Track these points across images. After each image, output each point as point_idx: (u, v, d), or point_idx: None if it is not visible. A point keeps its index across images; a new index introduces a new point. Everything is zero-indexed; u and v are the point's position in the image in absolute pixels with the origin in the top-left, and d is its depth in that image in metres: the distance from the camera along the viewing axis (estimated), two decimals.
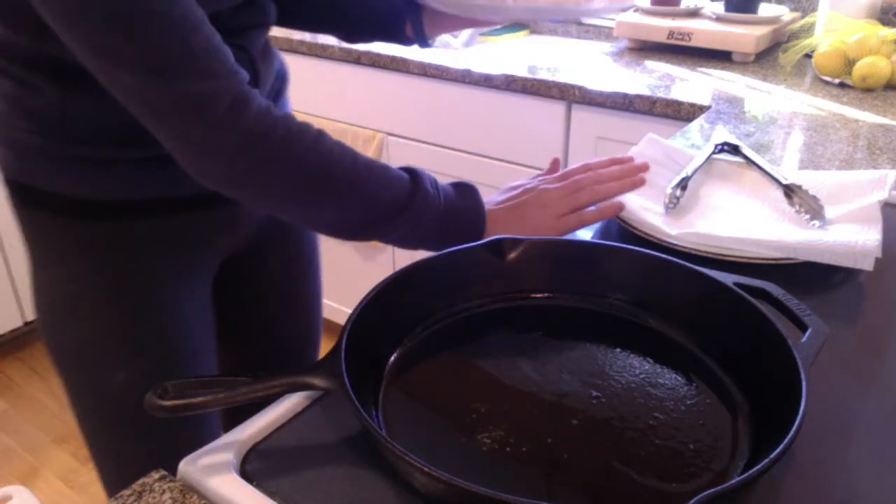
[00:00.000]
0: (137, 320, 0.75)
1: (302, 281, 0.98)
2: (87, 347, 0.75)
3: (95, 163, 0.69)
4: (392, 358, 0.59)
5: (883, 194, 0.79)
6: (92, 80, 0.61)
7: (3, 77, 0.67)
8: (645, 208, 0.80)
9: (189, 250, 0.78)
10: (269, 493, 0.47)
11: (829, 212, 0.80)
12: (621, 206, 0.78)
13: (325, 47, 1.79)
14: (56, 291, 0.75)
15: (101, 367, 0.76)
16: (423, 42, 0.91)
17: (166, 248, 0.76)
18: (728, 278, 0.60)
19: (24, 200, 0.73)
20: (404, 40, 0.92)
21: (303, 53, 1.84)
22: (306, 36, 1.83)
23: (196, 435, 0.77)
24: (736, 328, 0.57)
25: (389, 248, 1.96)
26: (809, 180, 0.86)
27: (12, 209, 0.75)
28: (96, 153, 0.69)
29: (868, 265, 0.70)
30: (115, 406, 0.77)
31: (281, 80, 0.86)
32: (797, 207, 0.81)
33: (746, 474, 0.41)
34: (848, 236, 0.73)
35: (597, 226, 0.85)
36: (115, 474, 0.81)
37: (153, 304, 0.76)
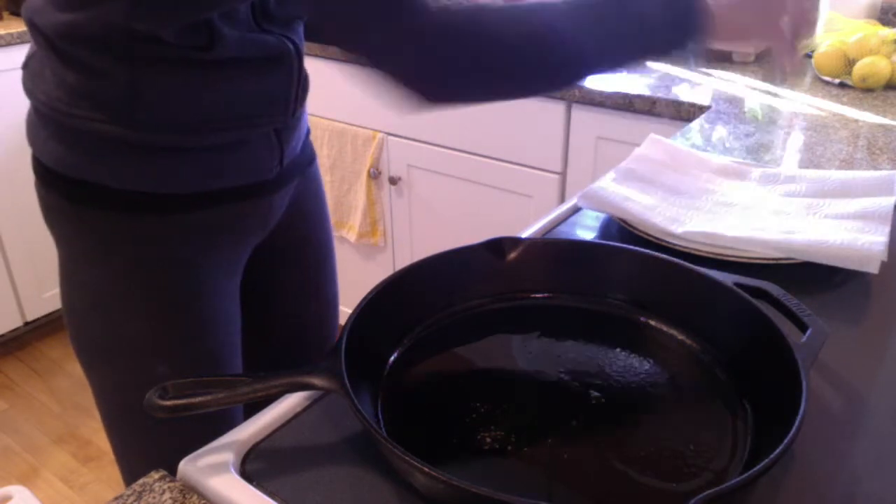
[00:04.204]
0: (180, 313, 0.76)
1: (320, 268, 0.99)
2: (133, 341, 0.76)
3: (158, 151, 0.70)
4: (392, 358, 0.59)
5: (892, 197, 0.79)
6: (162, 61, 0.62)
7: (67, 66, 0.67)
8: (648, 208, 0.80)
9: (231, 242, 0.80)
10: (269, 493, 0.47)
11: (836, 206, 0.80)
12: None
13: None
14: (101, 288, 0.75)
15: (145, 360, 0.76)
16: None
17: (211, 241, 0.77)
18: (728, 278, 0.60)
19: (72, 196, 0.72)
20: None
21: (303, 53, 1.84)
22: None
23: (225, 428, 0.78)
24: (736, 328, 0.57)
25: (389, 248, 1.96)
26: (815, 176, 0.86)
27: (56, 206, 0.74)
28: (161, 141, 0.69)
29: (873, 268, 0.70)
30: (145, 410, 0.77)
31: (306, 79, 0.87)
32: None
33: (746, 474, 0.41)
34: (853, 237, 0.72)
35: (597, 225, 0.85)
36: (143, 469, 0.81)
37: (195, 297, 0.77)
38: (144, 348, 0.76)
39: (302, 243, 0.95)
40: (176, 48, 0.65)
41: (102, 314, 0.76)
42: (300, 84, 0.79)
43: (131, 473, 0.83)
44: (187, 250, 0.75)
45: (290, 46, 0.75)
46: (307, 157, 0.92)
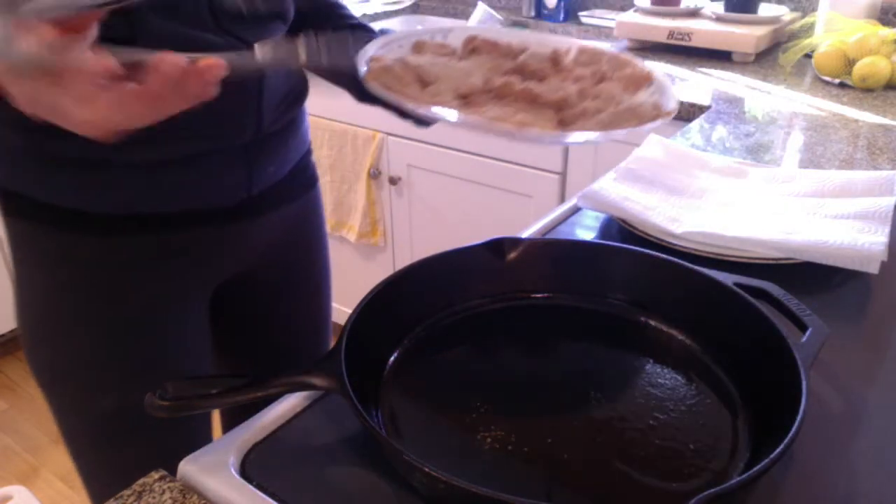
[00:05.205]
0: (127, 343, 0.71)
1: (311, 301, 0.93)
2: (73, 369, 0.72)
3: (84, 166, 0.63)
4: (392, 358, 0.59)
5: (892, 197, 0.79)
6: None
7: None
8: (648, 208, 0.80)
9: (182, 271, 0.73)
10: (269, 493, 0.47)
11: (836, 206, 0.80)
12: None
13: None
14: (41, 308, 0.70)
15: (88, 391, 0.72)
16: (417, 122, 0.83)
17: (158, 268, 0.71)
18: (728, 278, 0.60)
19: (7, 208, 0.68)
20: (403, 116, 0.82)
21: None
22: None
23: (194, 441, 0.74)
24: (736, 328, 0.57)
25: (389, 248, 1.96)
26: (815, 177, 0.86)
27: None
28: (85, 153, 0.61)
29: (873, 269, 0.70)
30: (102, 431, 0.74)
31: (296, 95, 0.78)
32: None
33: (746, 474, 0.41)
34: (854, 237, 0.72)
35: (597, 225, 0.85)
36: (104, 490, 0.77)
37: (144, 326, 0.72)
38: (85, 377, 0.72)
39: (294, 276, 0.88)
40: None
41: (42, 336, 0.72)
42: (262, 98, 0.69)
43: (93, 490, 0.80)
44: (126, 275, 0.70)
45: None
46: (303, 183, 0.84)
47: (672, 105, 0.66)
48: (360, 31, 0.82)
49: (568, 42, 0.78)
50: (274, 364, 0.93)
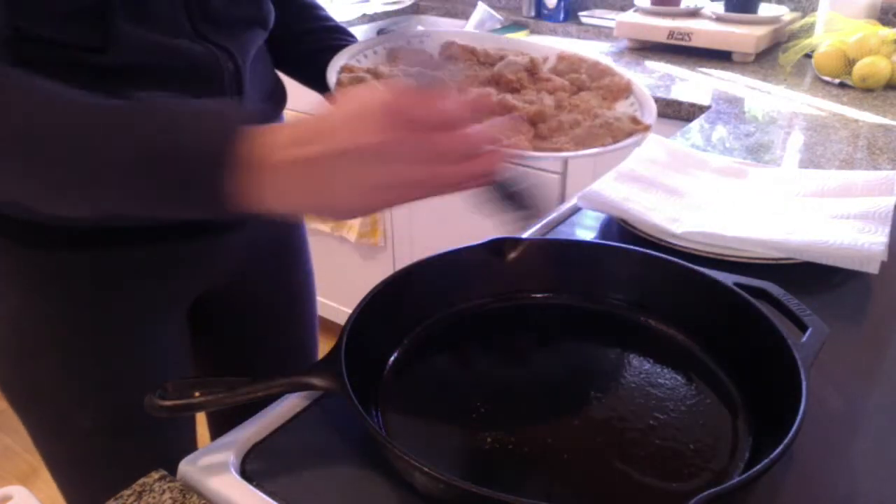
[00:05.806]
0: (100, 360, 0.69)
1: (293, 317, 0.91)
2: (47, 389, 0.70)
3: None
4: (392, 358, 0.59)
5: (892, 197, 0.79)
6: (46, 64, 0.51)
7: None
8: (649, 208, 0.80)
9: (154, 285, 0.71)
10: (269, 493, 0.47)
11: (836, 206, 0.80)
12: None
13: None
14: (10, 326, 0.68)
15: (64, 411, 0.71)
16: None
17: (128, 282, 0.69)
18: (728, 278, 0.60)
19: None
20: None
21: None
22: None
23: (174, 454, 0.72)
24: (736, 328, 0.57)
25: (389, 248, 1.96)
26: (815, 176, 0.86)
27: None
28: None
29: (873, 269, 0.70)
30: (81, 451, 0.73)
31: (274, 103, 0.77)
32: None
33: (746, 474, 0.41)
34: (854, 237, 0.72)
35: (597, 225, 0.85)
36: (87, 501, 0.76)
37: (117, 342, 0.70)
38: (60, 397, 0.70)
39: (276, 285, 0.86)
40: (62, 49, 0.53)
41: (13, 355, 0.70)
42: (242, 102, 0.67)
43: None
44: (96, 291, 0.67)
45: (226, 61, 0.64)
46: None
47: (651, 119, 0.65)
48: (337, 34, 0.80)
49: (546, 50, 0.77)
50: (259, 374, 0.90)
